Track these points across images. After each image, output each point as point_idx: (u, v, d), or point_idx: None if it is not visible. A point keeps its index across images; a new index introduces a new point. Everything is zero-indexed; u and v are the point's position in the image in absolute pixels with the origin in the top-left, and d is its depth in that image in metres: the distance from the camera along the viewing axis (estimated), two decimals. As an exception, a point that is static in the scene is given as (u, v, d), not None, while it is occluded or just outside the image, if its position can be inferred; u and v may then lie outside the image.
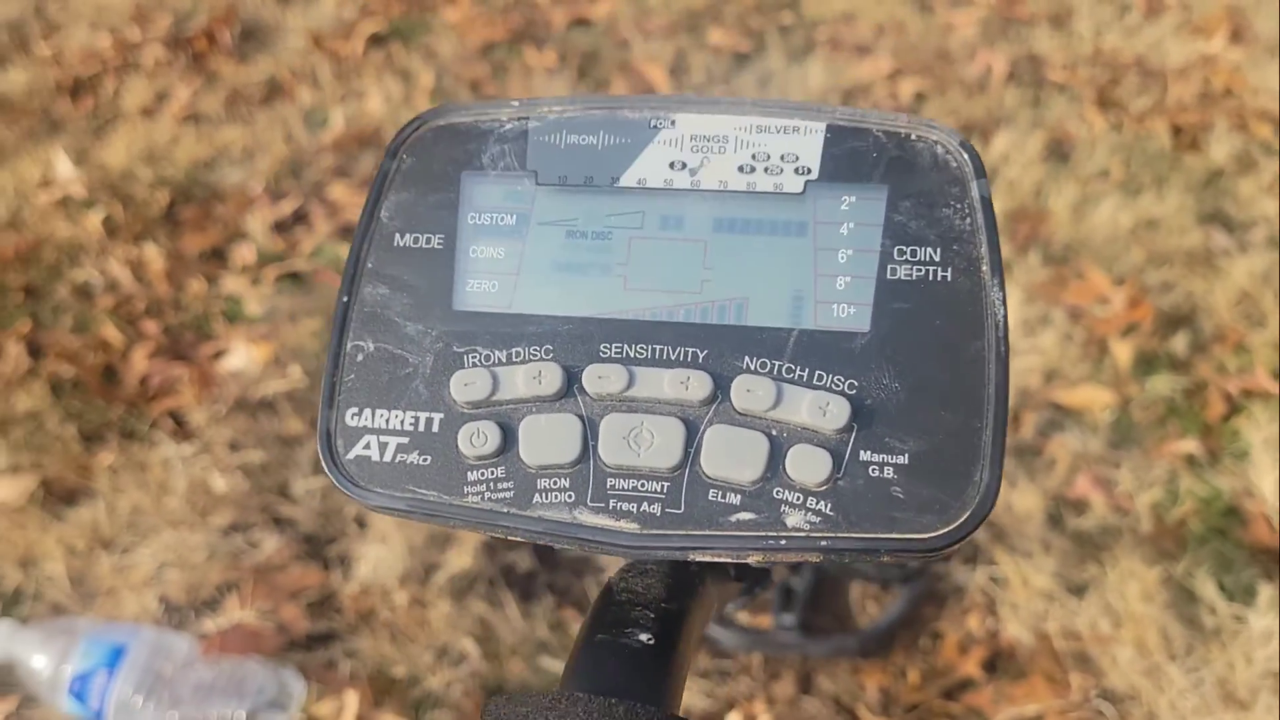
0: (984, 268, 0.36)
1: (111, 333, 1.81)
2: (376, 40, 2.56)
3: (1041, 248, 1.86)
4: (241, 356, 1.75)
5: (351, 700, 1.29)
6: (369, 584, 1.44)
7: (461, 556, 1.44)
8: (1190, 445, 1.54)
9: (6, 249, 1.99)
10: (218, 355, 1.78)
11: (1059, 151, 2.11)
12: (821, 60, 2.39)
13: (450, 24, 2.60)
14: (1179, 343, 1.69)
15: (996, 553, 1.43)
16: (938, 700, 1.32)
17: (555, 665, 1.35)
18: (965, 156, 0.37)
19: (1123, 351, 1.67)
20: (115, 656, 1.31)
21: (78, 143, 2.28)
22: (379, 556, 1.46)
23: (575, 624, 1.40)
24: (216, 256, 1.99)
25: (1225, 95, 2.22)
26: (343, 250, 1.95)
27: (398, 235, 0.40)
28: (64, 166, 2.17)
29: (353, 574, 1.46)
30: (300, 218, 2.06)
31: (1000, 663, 1.36)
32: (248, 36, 2.62)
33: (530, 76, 2.40)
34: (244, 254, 1.96)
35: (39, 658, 1.33)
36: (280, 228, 2.03)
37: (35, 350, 1.81)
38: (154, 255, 1.96)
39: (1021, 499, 1.49)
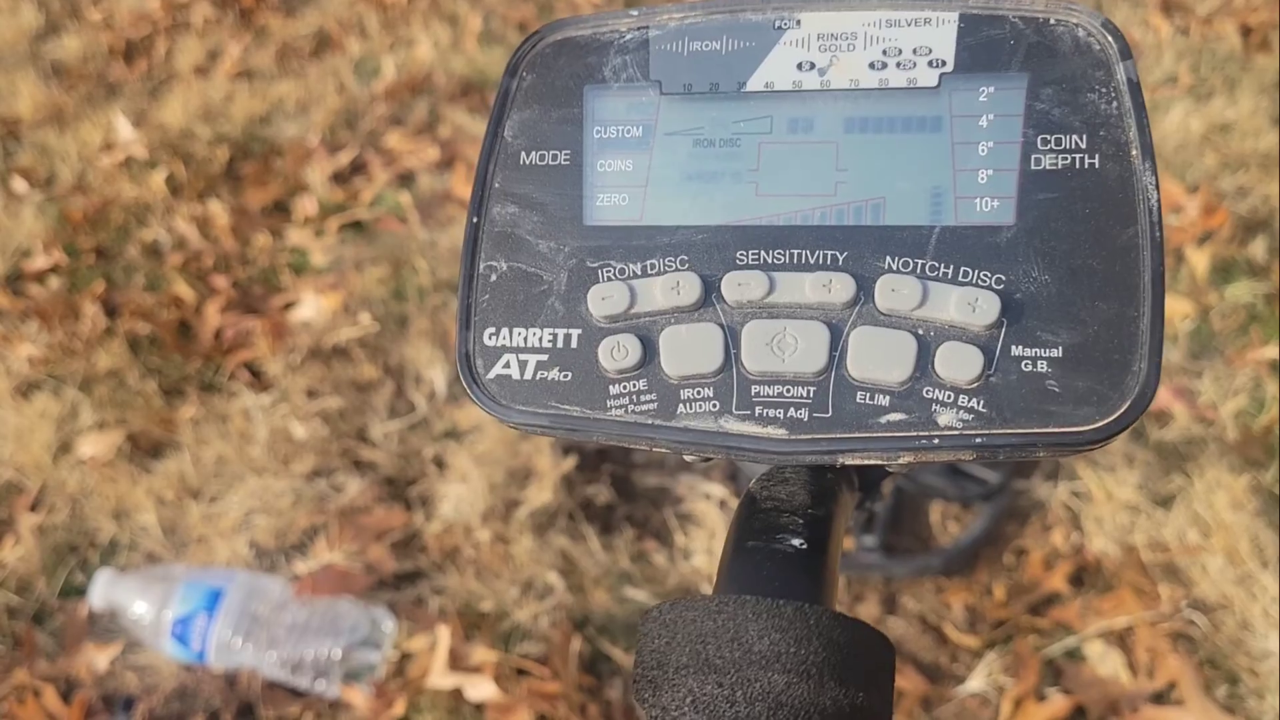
0: (1134, 152, 0.35)
1: (183, 289, 1.84)
2: (421, -16, 2.54)
3: (1111, 158, 1.82)
4: (311, 306, 1.77)
5: (444, 635, 1.32)
6: (452, 523, 1.47)
7: (541, 492, 1.46)
8: (1274, 351, 1.50)
9: (75, 212, 2.02)
10: (288, 306, 1.80)
11: (1125, 58, 2.05)
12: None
13: (493, -37, 2.58)
14: (1258, 248, 1.64)
15: (1078, 467, 1.42)
16: (1025, 616, 1.32)
17: (640, 595, 1.37)
18: (1109, 38, 0.36)
19: (1200, 260, 1.63)
20: (213, 600, 1.35)
21: (135, 105, 2.30)
22: (460, 495, 1.48)
23: (657, 555, 1.41)
24: (279, 210, 2.00)
25: (1298, -10, 2.14)
26: (402, 198, 1.96)
27: (523, 154, 0.40)
28: (124, 129, 2.20)
29: (435, 513, 1.49)
30: (358, 168, 2.07)
31: (1087, 577, 1.35)
32: (292, -12, 2.62)
33: (577, 13, 2.37)
34: (306, 206, 1.97)
35: (140, 604, 1.37)
36: (339, 178, 2.04)
37: (111, 310, 1.84)
38: (218, 211, 1.98)
39: (1102, 413, 1.47)
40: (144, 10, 2.59)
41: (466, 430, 1.57)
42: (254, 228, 1.95)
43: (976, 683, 1.26)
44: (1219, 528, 1.34)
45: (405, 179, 2.02)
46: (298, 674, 1.33)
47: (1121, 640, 1.29)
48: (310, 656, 1.33)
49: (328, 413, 1.62)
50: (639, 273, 0.38)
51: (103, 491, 1.56)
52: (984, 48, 0.37)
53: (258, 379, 1.70)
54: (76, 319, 1.82)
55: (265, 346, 1.72)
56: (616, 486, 1.48)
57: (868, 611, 1.34)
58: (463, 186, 1.95)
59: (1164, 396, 1.48)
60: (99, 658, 1.38)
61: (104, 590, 1.38)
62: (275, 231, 1.94)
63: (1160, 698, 1.25)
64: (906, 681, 1.27)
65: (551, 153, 0.40)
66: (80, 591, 1.46)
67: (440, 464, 1.54)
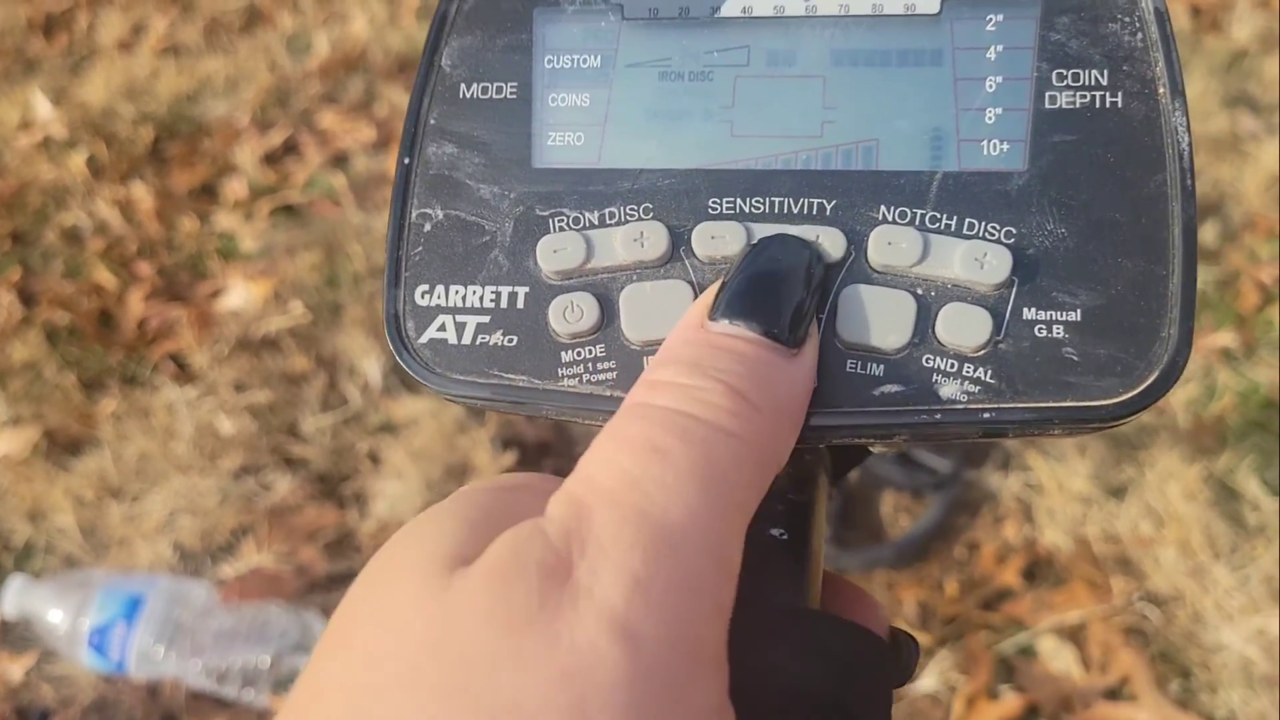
0: (1161, 89, 0.31)
1: (104, 276, 1.76)
2: (356, -38, 2.47)
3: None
4: (240, 294, 1.70)
5: (380, 637, 1.26)
6: (387, 521, 1.41)
7: (483, 487, 1.41)
8: (1225, 338, 1.50)
9: (-12, 195, 1.93)
10: (215, 294, 1.72)
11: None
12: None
13: (432, -58, 2.52)
14: (1208, 232, 1.64)
15: (1030, 457, 1.40)
16: (977, 611, 1.29)
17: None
18: None
19: (1149, 249, 1.62)
20: (133, 607, 1.28)
21: (55, 81, 2.21)
22: (396, 493, 1.42)
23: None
24: (207, 193, 1.93)
25: (1243, -23, 2.15)
26: (336, 180, 1.89)
27: (463, 85, 0.35)
28: (42, 107, 2.11)
29: (370, 511, 1.43)
30: (290, 148, 2.00)
31: (1039, 570, 1.33)
32: (222, -36, 2.53)
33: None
34: (235, 188, 1.90)
35: (55, 612, 1.30)
36: (270, 159, 1.97)
37: (27, 298, 1.76)
38: (142, 194, 1.90)
39: (1054, 404, 1.45)
40: (64, -15, 2.50)
41: (403, 424, 1.51)
42: (180, 211, 1.87)
43: (929, 682, 1.23)
44: (1171, 519, 1.33)
45: (340, 160, 1.95)
46: (224, 683, 1.27)
47: (1074, 635, 1.27)
48: (238, 665, 1.27)
49: (256, 407, 1.55)
50: (596, 222, 0.33)
51: (17, 491, 1.48)
52: None
53: (183, 371, 1.62)
54: (-11, 307, 1.73)
55: (191, 337, 1.64)
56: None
57: (820, 607, 1.31)
58: (400, 171, 1.89)
59: (1115, 386, 1.47)
60: (12, 668, 1.31)
61: (16, 598, 1.30)
62: (202, 215, 1.87)
63: (1114, 694, 1.23)
64: (860, 679, 1.24)
65: (496, 85, 0.35)
66: (-10, 597, 1.38)
67: (375, 459, 1.48)
